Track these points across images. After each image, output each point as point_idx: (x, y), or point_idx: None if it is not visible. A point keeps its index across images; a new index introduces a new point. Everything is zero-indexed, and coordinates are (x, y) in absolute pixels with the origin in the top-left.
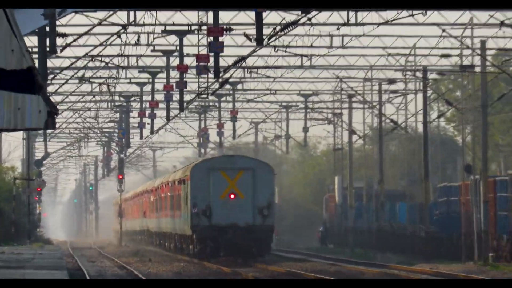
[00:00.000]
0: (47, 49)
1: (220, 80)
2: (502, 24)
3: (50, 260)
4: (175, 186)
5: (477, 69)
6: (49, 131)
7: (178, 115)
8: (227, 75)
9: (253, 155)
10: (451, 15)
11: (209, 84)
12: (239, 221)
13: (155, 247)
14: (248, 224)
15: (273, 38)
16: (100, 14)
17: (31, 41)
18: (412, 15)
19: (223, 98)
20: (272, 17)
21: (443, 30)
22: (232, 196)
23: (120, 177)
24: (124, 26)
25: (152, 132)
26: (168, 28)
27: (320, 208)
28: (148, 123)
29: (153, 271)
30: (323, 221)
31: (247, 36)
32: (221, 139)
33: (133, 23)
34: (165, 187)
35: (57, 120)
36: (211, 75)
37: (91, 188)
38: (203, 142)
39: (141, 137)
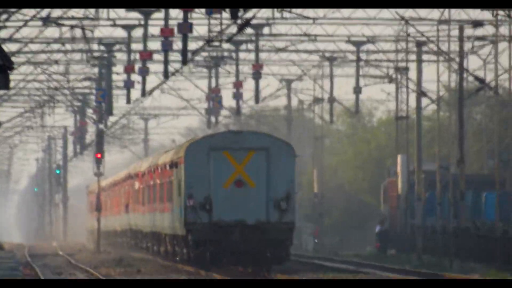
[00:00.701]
0: None
1: (238, 21)
2: None
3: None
4: (165, 171)
5: None
6: (0, 92)
7: (180, 71)
8: (248, 15)
9: (284, 126)
10: None
11: (224, 27)
12: (248, 217)
13: (142, 252)
14: (260, 221)
15: None
16: None
17: None
18: None
19: (243, 47)
20: None
21: None
22: (239, 184)
23: (99, 156)
24: None
25: (143, 94)
26: None
27: (377, 199)
28: (138, 82)
29: None
30: (381, 218)
31: None
32: (238, 103)
33: None
34: (154, 172)
35: (11, 77)
36: (226, 14)
37: (58, 171)
38: (214, 108)
39: (128, 101)
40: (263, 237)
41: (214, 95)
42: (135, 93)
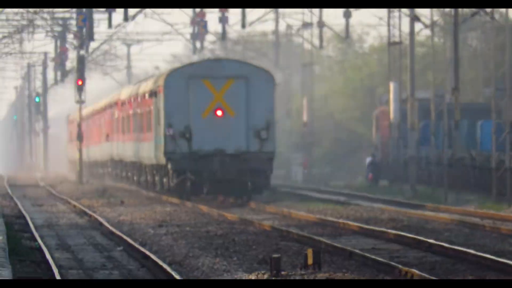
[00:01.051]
0: None
1: None
2: None
3: None
4: (144, 100)
5: None
6: None
7: None
8: None
9: (272, 52)
10: None
11: None
12: (228, 146)
13: (124, 182)
14: (241, 150)
15: None
16: None
17: None
18: None
19: None
20: None
21: None
22: (219, 113)
23: (80, 82)
24: None
25: (126, 19)
26: None
27: (369, 128)
28: None
29: (126, 219)
30: (373, 147)
31: None
32: (224, 27)
33: None
34: (134, 101)
35: None
36: None
37: (37, 99)
38: (199, 33)
39: (109, 26)
40: (243, 166)
41: (199, 20)
42: (117, 17)
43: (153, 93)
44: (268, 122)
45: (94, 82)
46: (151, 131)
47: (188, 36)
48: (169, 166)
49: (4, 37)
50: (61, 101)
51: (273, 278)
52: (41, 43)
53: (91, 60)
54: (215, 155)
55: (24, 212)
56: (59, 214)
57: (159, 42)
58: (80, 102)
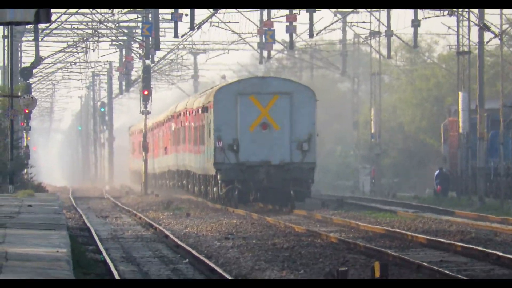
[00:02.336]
0: None
1: None
2: None
3: (42, 215)
4: (198, 115)
5: None
6: (41, 25)
7: None
8: None
9: (339, 61)
10: None
11: None
12: (273, 158)
13: (184, 193)
14: (284, 161)
15: None
16: None
17: None
18: None
19: None
20: None
21: None
22: (264, 127)
23: (146, 93)
24: None
25: (192, 28)
26: None
27: (437, 139)
28: (186, 14)
29: (192, 231)
30: (441, 158)
31: None
32: (292, 37)
33: None
34: (188, 114)
35: (53, 10)
36: None
37: (102, 109)
38: (266, 42)
39: (175, 35)
40: (287, 176)
41: (266, 29)
42: (183, 26)
43: (204, 108)
44: (309, 135)
45: (160, 92)
46: (203, 143)
47: (255, 45)
48: (219, 176)
49: (69, 45)
50: (127, 112)
51: None
52: (106, 52)
53: (157, 70)
54: (261, 166)
55: (88, 224)
56: (124, 226)
57: (226, 51)
58: (146, 112)
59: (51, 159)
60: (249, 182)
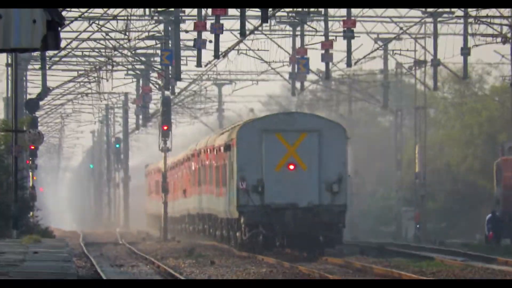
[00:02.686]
0: None
1: None
2: None
3: (50, 263)
4: (220, 153)
5: None
6: (49, 53)
7: (260, 28)
8: None
9: (380, 93)
10: None
11: None
12: (300, 200)
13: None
14: (313, 204)
15: None
16: None
17: None
18: None
19: None
20: None
21: None
22: (291, 167)
23: (165, 127)
24: None
25: (217, 55)
26: None
27: (489, 180)
28: (210, 41)
29: None
30: (494, 201)
31: None
32: (328, 66)
33: None
34: (210, 152)
35: (62, 35)
36: None
37: (117, 145)
38: (299, 72)
39: (198, 64)
40: (316, 219)
41: (299, 57)
42: (207, 54)
43: (227, 147)
44: (340, 175)
45: (181, 127)
46: (226, 184)
47: (287, 76)
48: (242, 219)
49: (80, 75)
50: (144, 149)
51: None
52: (121, 82)
53: (178, 102)
54: (288, 209)
55: (101, 274)
56: (141, 276)
57: (254, 82)
58: (165, 149)
59: (60, 201)
60: (274, 226)
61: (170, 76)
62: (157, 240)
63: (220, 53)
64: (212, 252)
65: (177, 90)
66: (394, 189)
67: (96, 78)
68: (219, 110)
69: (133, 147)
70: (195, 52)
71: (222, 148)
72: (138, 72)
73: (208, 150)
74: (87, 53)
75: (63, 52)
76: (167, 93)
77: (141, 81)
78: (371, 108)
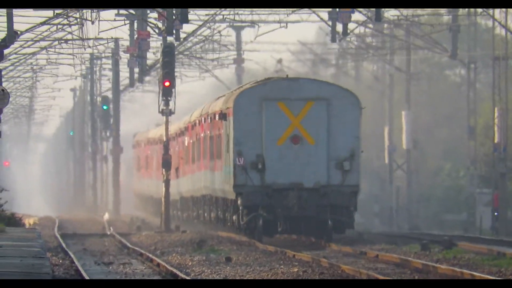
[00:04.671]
0: None
1: None
2: None
3: (16, 261)
4: (215, 122)
5: None
6: None
7: None
8: None
9: (447, 39)
10: None
11: None
12: (306, 179)
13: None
14: (320, 183)
15: None
16: None
17: None
18: None
19: None
20: None
21: None
22: (295, 141)
23: (167, 83)
24: None
25: None
26: None
27: None
28: None
29: None
30: None
31: None
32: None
33: None
34: (204, 122)
35: None
36: None
37: (105, 107)
38: (341, 11)
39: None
40: (323, 202)
41: None
42: None
43: (222, 115)
44: (352, 152)
45: (189, 82)
46: (221, 158)
47: (326, 16)
48: (239, 201)
49: (56, 15)
50: (140, 111)
51: None
52: (110, 25)
53: (184, 51)
54: (291, 189)
55: (84, 275)
56: (136, 277)
57: (283, 25)
58: (167, 112)
59: (31, 179)
60: (276, 209)
61: (174, 16)
62: (156, 230)
63: None
64: (228, 246)
65: (182, 35)
66: (466, 165)
67: (78, 20)
68: (237, 61)
69: (126, 109)
70: None
71: (217, 116)
72: (132, 12)
73: (203, 119)
74: None
75: None
76: (169, 38)
77: (136, 24)
78: (436, 59)
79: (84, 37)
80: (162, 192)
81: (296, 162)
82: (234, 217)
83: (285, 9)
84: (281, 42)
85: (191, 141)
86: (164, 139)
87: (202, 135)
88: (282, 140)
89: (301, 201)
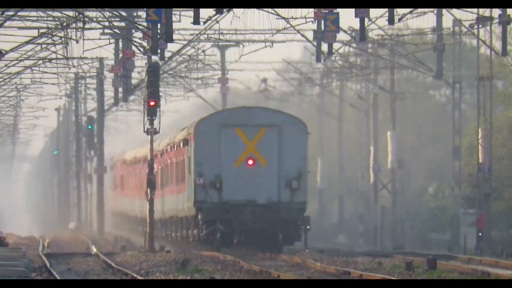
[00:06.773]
0: None
1: None
2: None
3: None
4: (179, 149)
5: None
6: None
7: None
8: None
9: (432, 58)
10: None
11: None
12: (259, 196)
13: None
14: (272, 200)
15: None
16: None
17: None
18: None
19: None
20: None
21: None
22: (250, 162)
23: (152, 103)
24: None
25: (219, 10)
26: None
27: None
28: None
29: None
30: None
31: None
32: (363, 23)
33: None
34: (170, 150)
35: None
36: None
37: (90, 127)
38: (327, 30)
39: (196, 21)
40: (275, 216)
41: (326, 12)
42: (207, 10)
43: (185, 141)
44: (300, 172)
45: (173, 102)
46: (184, 181)
47: (311, 36)
48: (200, 216)
49: (41, 34)
50: (124, 131)
51: None
52: (95, 44)
53: (169, 70)
54: (246, 205)
55: None
56: None
57: (268, 44)
58: (152, 132)
59: (15, 198)
60: (233, 223)
61: (158, 36)
62: (140, 249)
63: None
64: (212, 265)
65: (167, 55)
66: (450, 185)
67: (63, 39)
68: (222, 81)
69: (110, 129)
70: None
71: (181, 144)
72: (117, 31)
73: (169, 147)
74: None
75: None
76: (154, 58)
77: (121, 43)
78: (420, 79)
79: (69, 57)
80: (146, 212)
81: (251, 181)
82: (195, 231)
83: (270, 29)
84: (266, 61)
85: (159, 167)
86: (149, 158)
87: (169, 161)
88: (238, 162)
89: (255, 216)
